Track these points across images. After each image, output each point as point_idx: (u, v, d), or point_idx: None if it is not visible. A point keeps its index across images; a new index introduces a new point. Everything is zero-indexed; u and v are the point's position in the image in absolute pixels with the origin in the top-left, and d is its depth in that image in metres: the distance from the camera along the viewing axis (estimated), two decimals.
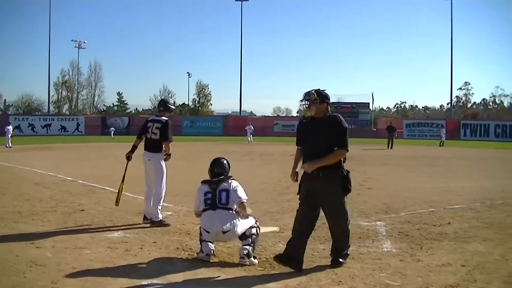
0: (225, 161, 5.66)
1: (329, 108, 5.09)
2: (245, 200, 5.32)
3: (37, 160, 18.81)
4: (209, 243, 5.20)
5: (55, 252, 5.48)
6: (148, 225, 6.96)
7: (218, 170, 5.52)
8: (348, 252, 5.18)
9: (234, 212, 5.25)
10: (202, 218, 5.36)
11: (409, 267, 5.02)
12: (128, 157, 7.31)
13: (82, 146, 31.50)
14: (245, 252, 5.07)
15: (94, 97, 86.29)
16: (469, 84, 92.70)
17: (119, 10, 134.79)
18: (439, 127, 54.86)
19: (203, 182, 5.52)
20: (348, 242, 5.19)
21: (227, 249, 5.63)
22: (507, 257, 5.39)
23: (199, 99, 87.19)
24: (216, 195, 5.27)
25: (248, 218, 5.37)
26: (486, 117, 72.90)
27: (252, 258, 5.08)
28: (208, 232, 5.20)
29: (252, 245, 5.18)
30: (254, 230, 5.30)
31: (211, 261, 5.18)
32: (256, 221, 5.48)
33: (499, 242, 6.12)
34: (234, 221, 5.19)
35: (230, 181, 5.39)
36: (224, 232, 5.16)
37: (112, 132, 46.73)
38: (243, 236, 5.22)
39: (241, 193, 5.34)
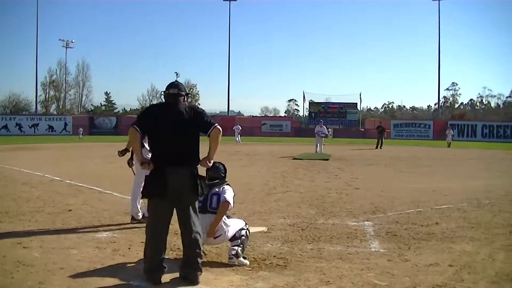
0: (220, 166, 5.50)
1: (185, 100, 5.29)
2: (229, 202, 5.15)
3: (24, 160, 18.62)
4: None
5: (42, 252, 5.43)
6: (136, 225, 6.93)
7: (213, 175, 5.39)
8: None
9: (225, 217, 5.19)
10: None
11: (397, 267, 5.04)
12: (129, 163, 7.30)
13: (69, 146, 31.24)
14: (234, 252, 5.08)
15: (82, 97, 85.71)
16: (457, 84, 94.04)
17: (107, 10, 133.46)
18: (426, 127, 55.49)
19: None
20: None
21: (215, 249, 5.62)
22: (494, 257, 5.43)
23: (187, 98, 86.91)
24: (207, 199, 5.21)
25: (236, 219, 5.36)
26: (473, 118, 73.59)
27: (241, 259, 5.08)
28: None
29: (241, 246, 5.16)
30: (243, 232, 5.29)
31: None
32: (246, 223, 5.48)
33: (486, 242, 6.18)
34: (224, 226, 5.15)
35: (223, 186, 5.31)
36: (214, 237, 5.14)
37: (81, 132, 47.03)
38: (233, 238, 5.22)
39: (229, 195, 5.21)
